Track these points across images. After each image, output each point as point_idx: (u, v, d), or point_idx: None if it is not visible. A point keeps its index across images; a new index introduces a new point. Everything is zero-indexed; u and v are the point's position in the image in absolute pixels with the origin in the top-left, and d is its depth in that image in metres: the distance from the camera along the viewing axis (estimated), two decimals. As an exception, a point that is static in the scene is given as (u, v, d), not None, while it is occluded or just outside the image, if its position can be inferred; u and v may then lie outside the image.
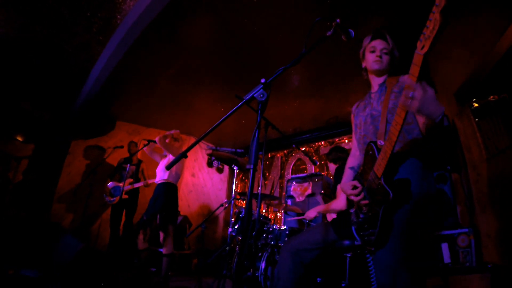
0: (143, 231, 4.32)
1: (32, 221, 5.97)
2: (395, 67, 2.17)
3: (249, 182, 1.23)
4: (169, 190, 4.43)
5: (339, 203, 3.15)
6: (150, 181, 5.75)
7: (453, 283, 3.05)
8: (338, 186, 3.35)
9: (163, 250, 4.24)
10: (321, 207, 3.37)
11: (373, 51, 2.16)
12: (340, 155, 3.85)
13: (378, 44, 2.14)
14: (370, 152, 1.92)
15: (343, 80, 4.96)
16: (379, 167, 1.74)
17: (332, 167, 3.92)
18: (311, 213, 3.43)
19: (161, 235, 4.23)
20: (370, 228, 1.83)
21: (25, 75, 5.87)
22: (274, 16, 3.81)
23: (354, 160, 2.37)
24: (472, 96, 3.69)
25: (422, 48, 1.48)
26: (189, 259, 6.53)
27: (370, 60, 2.16)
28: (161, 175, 4.51)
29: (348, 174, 2.34)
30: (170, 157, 4.60)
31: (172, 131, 4.49)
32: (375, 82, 2.21)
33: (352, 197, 1.99)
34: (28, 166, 6.51)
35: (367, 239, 1.86)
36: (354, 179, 2.09)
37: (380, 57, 2.10)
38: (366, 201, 1.88)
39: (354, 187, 1.97)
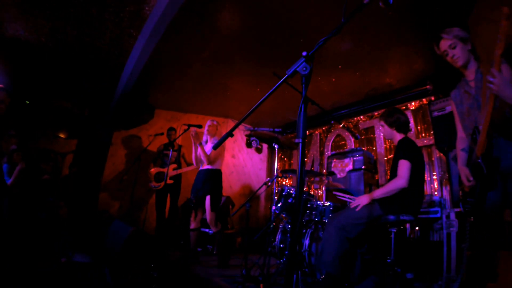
0: (194, 212, 4.61)
1: (81, 211, 6.32)
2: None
3: (299, 156, 1.24)
4: (215, 175, 4.71)
5: (395, 183, 3.11)
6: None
7: (501, 258, 2.93)
8: (400, 164, 3.14)
9: (214, 229, 4.59)
10: (378, 192, 3.16)
11: (446, 55, 2.42)
12: (402, 119, 3.41)
13: (444, 45, 2.42)
14: (473, 136, 2.22)
15: (380, 50, 4.77)
16: (478, 147, 2.07)
17: (391, 132, 3.47)
18: (363, 200, 3.17)
19: (210, 215, 4.51)
20: (470, 200, 2.15)
21: (62, 75, 6.13)
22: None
23: (463, 142, 2.56)
24: (517, 62, 3.47)
25: (500, 49, 1.92)
26: (233, 238, 6.70)
27: (451, 62, 2.42)
28: (205, 162, 4.76)
29: (462, 156, 2.51)
30: (208, 145, 4.86)
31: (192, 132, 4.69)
32: (469, 72, 2.42)
33: (466, 183, 2.25)
34: (73, 160, 6.87)
35: (467, 210, 2.14)
36: (467, 161, 2.35)
37: (453, 56, 2.37)
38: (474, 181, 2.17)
39: (468, 180, 2.24)
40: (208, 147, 4.81)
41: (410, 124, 5.72)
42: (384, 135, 3.68)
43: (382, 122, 3.53)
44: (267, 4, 3.96)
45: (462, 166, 2.37)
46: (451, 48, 2.37)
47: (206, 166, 4.78)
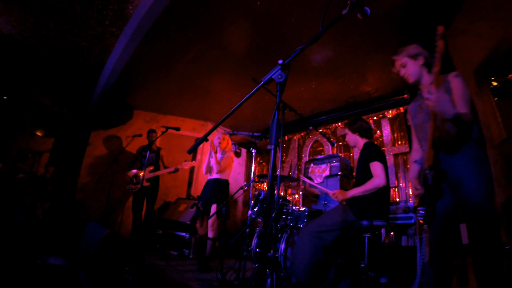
0: (200, 219, 5.00)
1: (56, 211, 6.16)
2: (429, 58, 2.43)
3: (271, 162, 1.25)
4: (224, 185, 5.01)
5: (372, 183, 3.19)
6: (179, 167, 5.87)
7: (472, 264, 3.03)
8: (373, 165, 3.25)
9: (211, 235, 4.79)
10: (356, 191, 3.23)
11: (399, 73, 2.52)
12: (365, 127, 3.60)
13: (396, 65, 2.51)
14: (423, 148, 2.32)
15: (360, 59, 4.88)
16: (426, 160, 2.11)
17: (355, 138, 3.63)
18: (339, 196, 3.29)
19: (212, 221, 4.79)
20: (421, 209, 2.17)
21: (42, 72, 5.99)
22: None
23: (416, 154, 2.59)
24: (492, 74, 3.59)
25: (435, 66, 2.04)
26: (210, 242, 6.67)
27: (404, 79, 2.49)
28: (215, 171, 5.08)
29: (413, 168, 2.57)
30: (218, 156, 5.16)
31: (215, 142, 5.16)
32: (423, 86, 2.46)
33: (414, 192, 2.31)
34: (49, 159, 6.69)
35: (420, 217, 2.16)
36: (419, 172, 2.38)
37: (404, 74, 2.46)
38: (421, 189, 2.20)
39: (416, 189, 2.28)
40: (218, 157, 5.13)
41: (386, 132, 5.86)
42: (348, 143, 3.79)
43: (347, 130, 3.70)
44: (251, 10, 4.00)
45: (412, 178, 2.46)
46: (402, 67, 2.46)
47: (214, 176, 5.05)
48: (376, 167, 3.22)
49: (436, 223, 2.15)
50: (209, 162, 5.13)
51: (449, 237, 2.16)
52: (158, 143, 6.63)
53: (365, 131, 3.59)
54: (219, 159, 5.04)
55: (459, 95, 2.14)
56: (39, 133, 6.75)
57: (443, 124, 2.17)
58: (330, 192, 3.44)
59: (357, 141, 3.62)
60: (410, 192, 5.34)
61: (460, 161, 2.13)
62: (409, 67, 2.42)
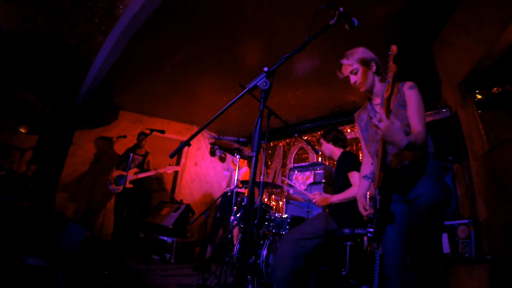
0: (222, 227, 5.56)
1: (36, 210, 6.02)
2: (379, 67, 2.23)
3: (252, 169, 1.25)
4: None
5: (352, 191, 3.23)
6: (161, 170, 5.83)
7: (452, 273, 3.08)
8: (352, 175, 3.32)
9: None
10: (335, 198, 3.32)
11: (348, 80, 2.22)
12: (340, 137, 3.67)
13: (345, 70, 2.23)
14: (374, 164, 2.18)
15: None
16: (375, 180, 1.95)
17: (330, 148, 3.71)
18: (320, 201, 3.40)
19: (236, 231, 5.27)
20: (371, 225, 2.04)
21: (28, 67, 5.88)
22: (278, 3, 3.78)
23: (366, 167, 2.38)
24: (476, 87, 3.66)
25: (386, 91, 1.74)
26: (192, 247, 6.60)
27: (354, 87, 2.21)
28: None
29: (363, 184, 2.36)
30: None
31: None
32: (375, 95, 2.23)
33: (363, 213, 2.18)
34: (32, 157, 6.55)
35: (371, 234, 2.04)
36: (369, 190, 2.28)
37: (355, 82, 2.16)
38: (370, 210, 2.13)
39: (365, 209, 2.18)
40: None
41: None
42: (324, 153, 3.83)
43: (322, 140, 3.80)
44: (241, 16, 4.02)
45: (360, 196, 2.25)
46: (353, 74, 2.17)
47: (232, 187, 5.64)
48: (355, 177, 3.30)
49: (389, 243, 2.00)
50: (230, 177, 5.88)
51: (405, 252, 1.98)
52: (146, 147, 6.57)
53: (339, 141, 3.68)
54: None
55: (414, 110, 1.94)
56: (22, 130, 6.60)
57: (401, 152, 1.95)
58: (311, 197, 3.48)
59: (332, 151, 3.73)
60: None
61: (423, 181, 1.95)
62: (360, 74, 2.15)
